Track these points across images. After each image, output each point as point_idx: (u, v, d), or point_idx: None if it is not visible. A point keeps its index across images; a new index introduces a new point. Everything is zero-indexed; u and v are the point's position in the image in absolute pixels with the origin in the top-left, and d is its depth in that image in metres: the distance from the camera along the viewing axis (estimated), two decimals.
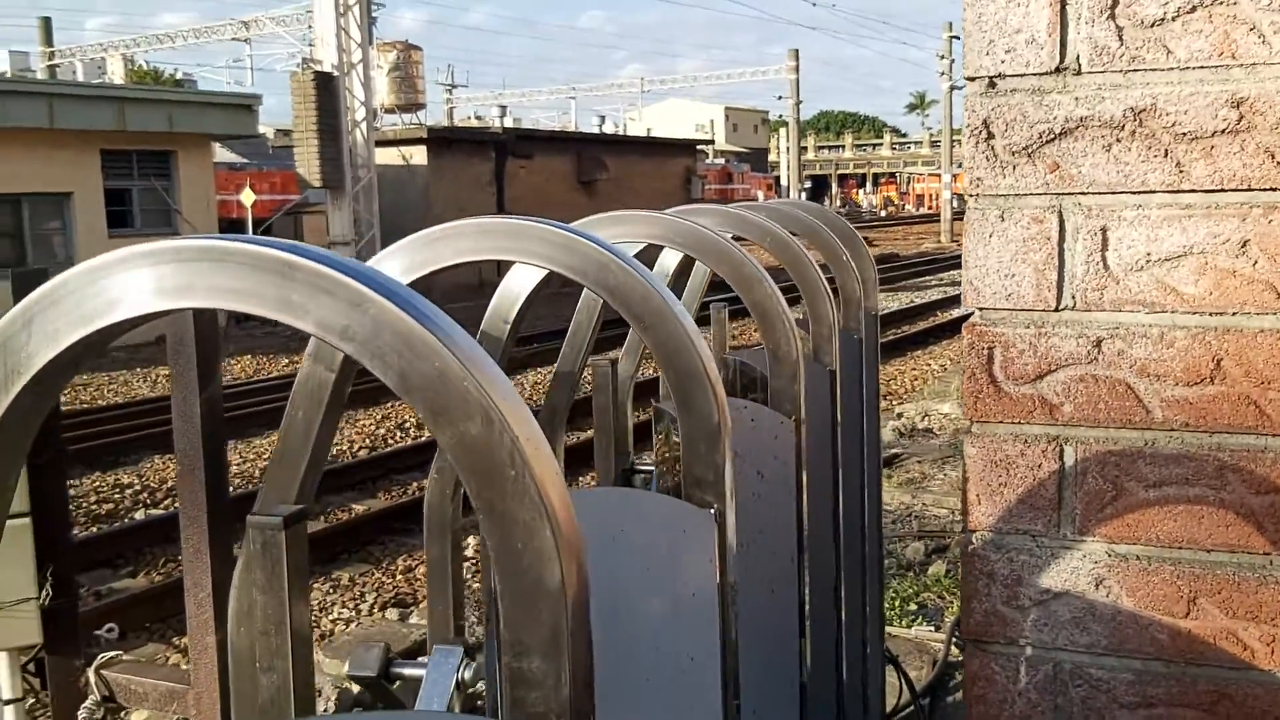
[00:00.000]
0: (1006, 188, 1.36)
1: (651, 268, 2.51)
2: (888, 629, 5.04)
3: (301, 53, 25.14)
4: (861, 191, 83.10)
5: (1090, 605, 1.35)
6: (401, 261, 1.34)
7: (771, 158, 79.91)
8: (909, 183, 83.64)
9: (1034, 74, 1.33)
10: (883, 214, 70.26)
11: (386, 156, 24.87)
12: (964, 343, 1.41)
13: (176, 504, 7.72)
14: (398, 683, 1.46)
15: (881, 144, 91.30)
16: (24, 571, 1.79)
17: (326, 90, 21.87)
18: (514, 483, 0.77)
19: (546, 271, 1.61)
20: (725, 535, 1.29)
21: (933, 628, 4.64)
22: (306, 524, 1.17)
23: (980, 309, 1.39)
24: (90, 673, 1.71)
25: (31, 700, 1.96)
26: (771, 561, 1.78)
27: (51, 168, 18.03)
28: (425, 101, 31.78)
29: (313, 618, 7.07)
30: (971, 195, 1.39)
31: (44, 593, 1.85)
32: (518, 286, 1.62)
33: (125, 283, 0.84)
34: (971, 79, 1.36)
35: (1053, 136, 1.32)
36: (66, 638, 1.89)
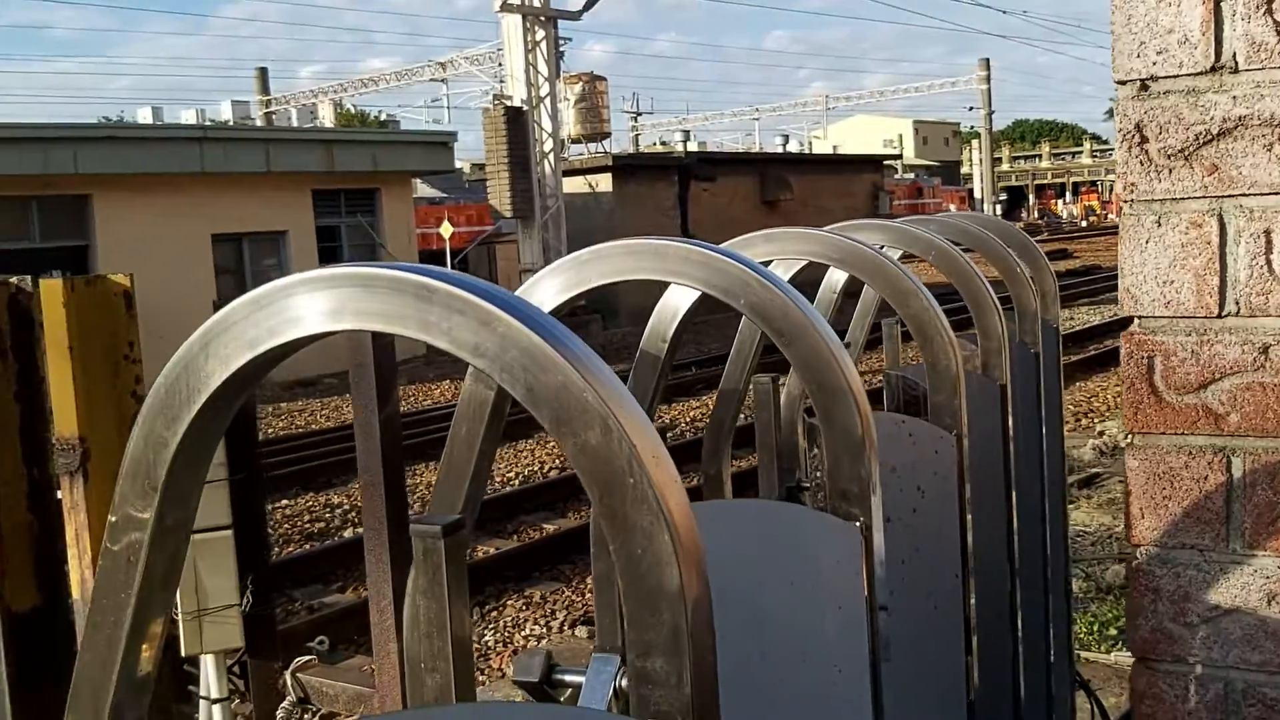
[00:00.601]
0: (1162, 192, 1.32)
1: (819, 287, 2.51)
2: (1084, 654, 4.83)
3: (494, 89, 26.11)
4: (1060, 202, 79.85)
5: (1262, 622, 1.28)
6: (555, 282, 1.41)
7: (964, 170, 77.83)
8: (1111, 191, 79.89)
9: (1188, 74, 1.29)
10: (1083, 224, 67.32)
11: (574, 185, 25.50)
12: (1122, 352, 1.37)
13: None
14: (560, 689, 1.52)
15: (1081, 152, 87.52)
16: (228, 580, 1.95)
17: (517, 124, 22.63)
18: (633, 489, 0.81)
19: (700, 291, 1.65)
20: (872, 549, 1.30)
21: None
22: (466, 532, 1.24)
23: (1139, 317, 1.35)
24: (287, 675, 1.84)
25: (236, 700, 2.13)
26: (934, 577, 1.75)
27: (268, 208, 19.30)
28: (610, 130, 32.42)
29: (505, 634, 7.29)
30: (1126, 201, 1.35)
31: (245, 600, 2.00)
32: (674, 306, 1.67)
33: (284, 309, 0.93)
34: (1122, 83, 1.33)
35: (1210, 138, 1.28)
36: (266, 642, 2.04)
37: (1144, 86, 1.32)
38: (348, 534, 9.63)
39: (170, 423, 0.94)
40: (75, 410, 1.88)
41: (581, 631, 6.97)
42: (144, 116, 34.42)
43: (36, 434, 2.02)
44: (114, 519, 0.95)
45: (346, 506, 10.34)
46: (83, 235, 17.34)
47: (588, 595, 8.03)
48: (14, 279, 2.11)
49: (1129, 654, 4.44)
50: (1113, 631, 4.78)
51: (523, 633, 7.30)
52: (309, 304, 0.92)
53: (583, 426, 0.81)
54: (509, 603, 7.83)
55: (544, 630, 7.32)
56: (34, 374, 2.04)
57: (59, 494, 2.01)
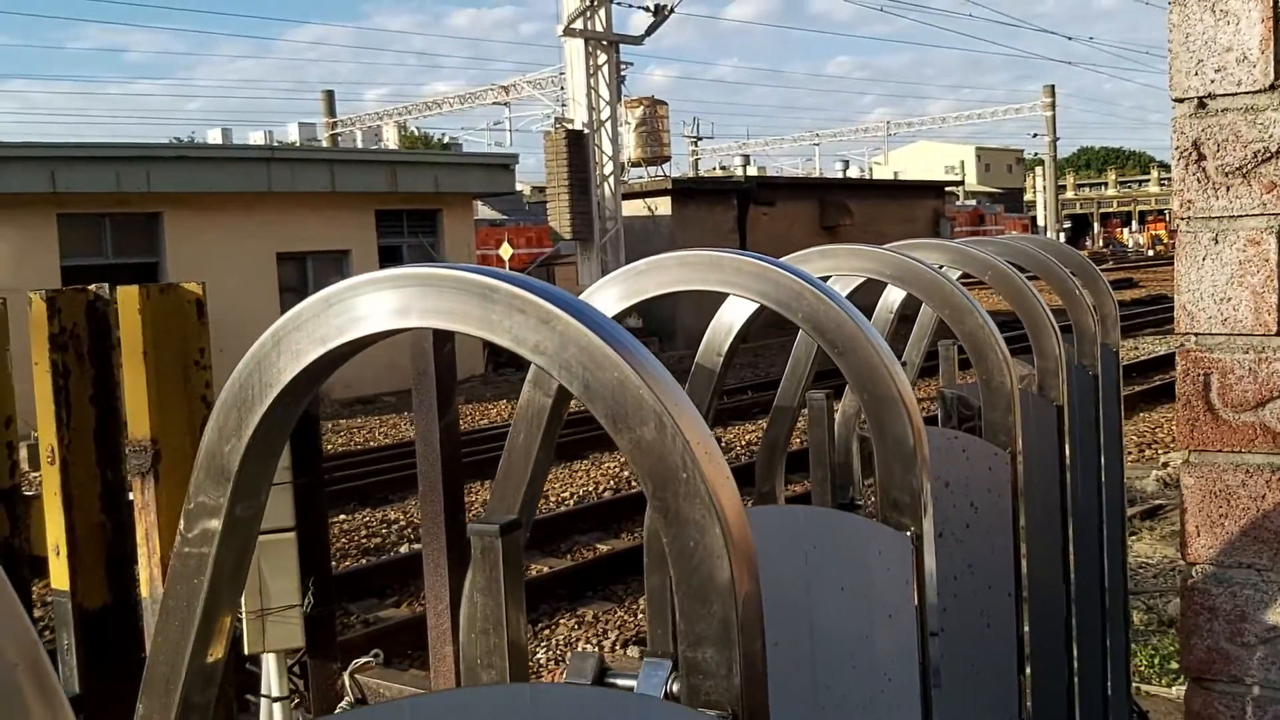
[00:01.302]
0: (1220, 209, 1.32)
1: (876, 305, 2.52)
2: (1145, 687, 4.74)
3: (555, 113, 26.38)
4: (1126, 230, 78.63)
5: None
6: (613, 291, 1.44)
7: (1027, 198, 76.98)
8: None
9: (1247, 92, 1.29)
10: (1149, 254, 66.22)
11: (633, 208, 25.63)
12: (1178, 368, 1.37)
13: None
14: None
15: (1148, 180, 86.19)
16: (290, 581, 2.00)
17: (577, 147, 22.83)
18: (686, 484, 0.83)
19: (757, 305, 1.67)
20: (922, 559, 1.31)
21: None
22: (523, 532, 1.27)
23: (1195, 334, 1.35)
24: (345, 676, 1.88)
25: (295, 700, 2.18)
26: (986, 594, 1.75)
27: (333, 228, 19.64)
28: (670, 154, 32.57)
29: (558, 652, 7.32)
30: (1182, 218, 1.35)
31: (306, 601, 2.05)
32: (730, 320, 1.69)
33: (353, 308, 0.97)
34: (1179, 100, 1.34)
35: (1269, 155, 1.28)
36: (326, 643, 2.09)
37: (1201, 104, 1.32)
38: (404, 549, 9.72)
39: (244, 416, 0.98)
40: (148, 413, 1.94)
41: (633, 651, 6.97)
42: (214, 137, 35.22)
43: (111, 437, 2.08)
44: (189, 507, 0.99)
45: (403, 522, 10.45)
46: (153, 252, 17.75)
47: (640, 616, 8.03)
48: (92, 287, 2.19)
49: None
50: (1174, 665, 4.69)
51: (575, 651, 7.32)
52: (376, 303, 0.96)
53: (638, 422, 0.84)
54: (561, 621, 7.86)
55: (595, 649, 7.33)
56: (109, 378, 2.11)
57: (129, 495, 2.07)
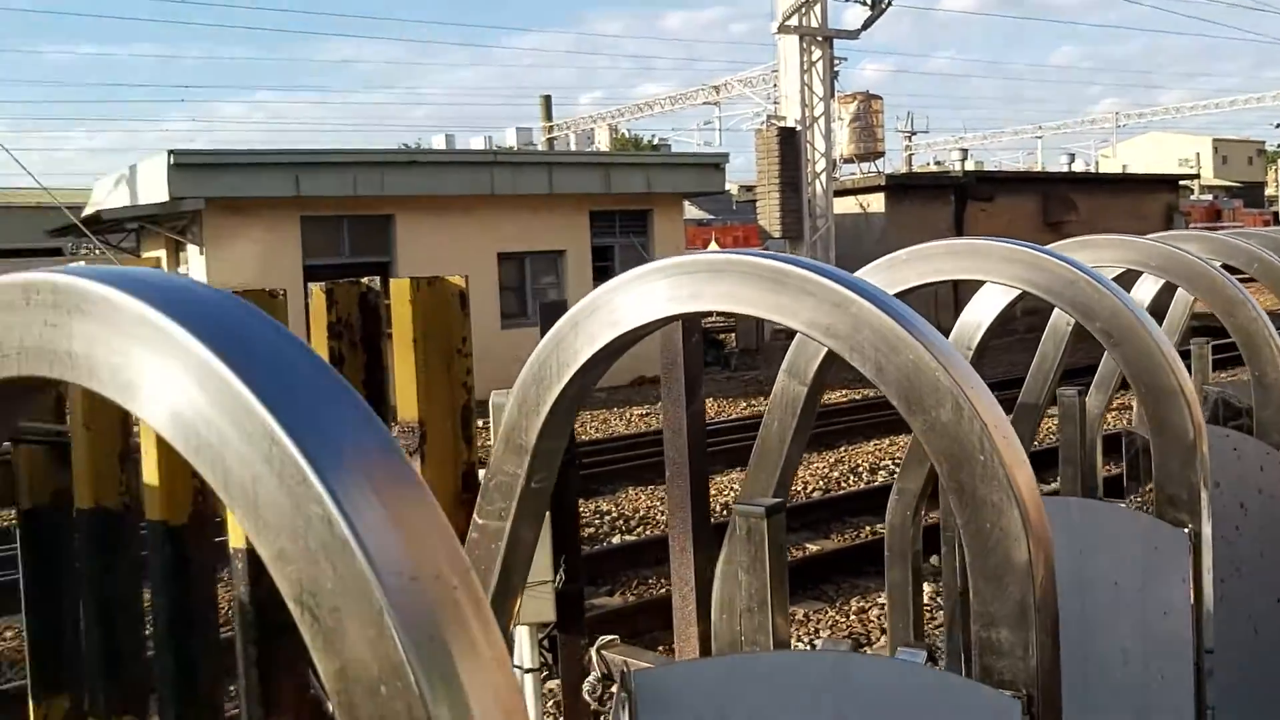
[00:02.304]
0: None
1: None
2: None
3: (766, 110, 26.33)
4: None
5: None
6: (875, 281, 1.45)
7: (1268, 192, 71.72)
8: None
9: None
10: None
11: (844, 206, 25.32)
12: None
13: (648, 531, 8.28)
14: None
15: None
16: (544, 556, 2.10)
17: (789, 144, 22.73)
18: (983, 466, 0.84)
19: (1015, 294, 1.65)
20: (1200, 557, 1.26)
21: None
22: (784, 515, 1.30)
23: None
24: (592, 651, 1.96)
25: (545, 672, 2.28)
26: (1258, 597, 1.67)
27: (550, 228, 20.27)
28: (884, 150, 31.98)
29: None
30: None
31: (558, 577, 2.15)
32: (981, 312, 1.67)
33: (645, 293, 1.02)
34: None
35: None
36: (574, 618, 2.18)
37: None
38: (615, 540, 9.93)
39: (543, 392, 1.04)
40: (416, 397, 2.08)
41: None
42: (438, 143, 36.82)
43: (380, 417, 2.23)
44: (490, 481, 1.06)
45: (614, 514, 10.67)
46: (385, 251, 18.76)
47: (851, 616, 7.95)
48: (364, 280, 2.36)
49: None
50: None
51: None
52: (665, 289, 1.00)
53: (934, 404, 0.85)
54: None
55: (808, 648, 7.30)
56: (378, 364, 2.26)
57: None
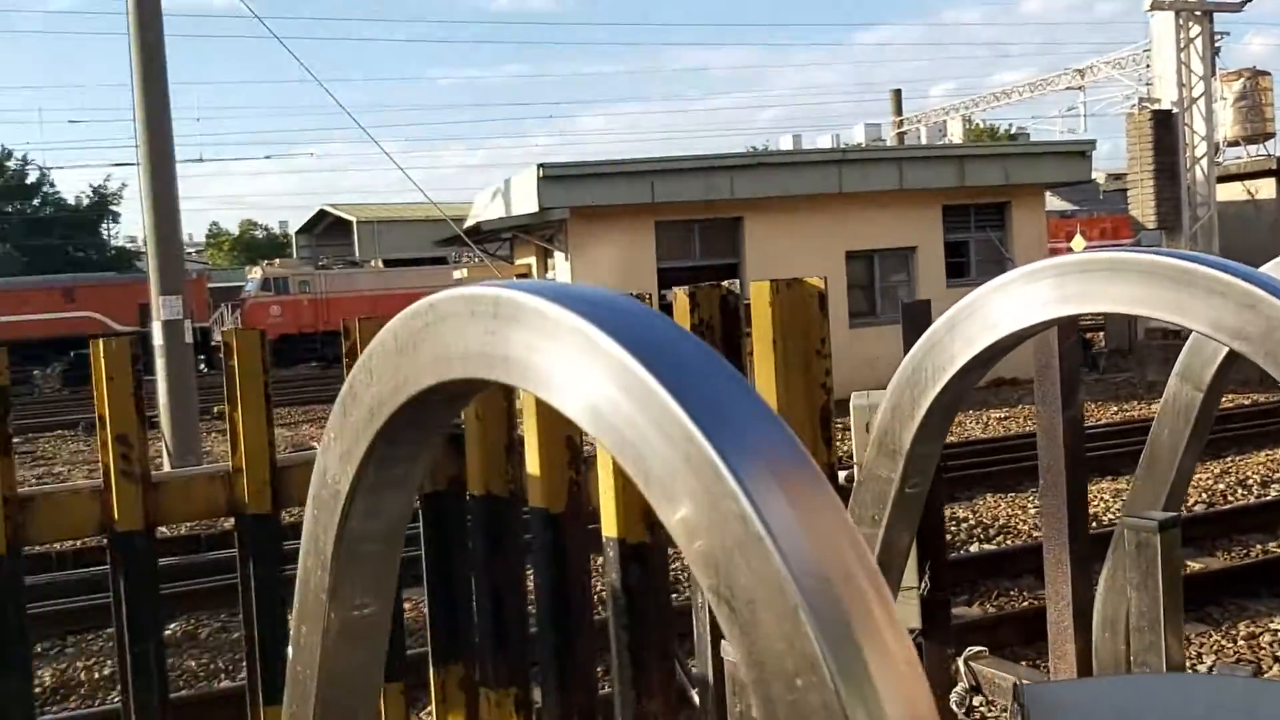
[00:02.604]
0: None
1: None
2: None
3: (1137, 93, 24.49)
4: None
5: None
6: None
7: None
8: None
9: None
10: None
11: (1228, 193, 23.09)
12: None
13: (1009, 541, 7.93)
14: None
15: None
16: (909, 565, 2.09)
17: (1164, 128, 21.04)
18: None
19: None
20: None
21: None
22: (1179, 530, 1.22)
23: None
24: (960, 662, 1.92)
25: None
26: None
27: (900, 225, 19.89)
28: (1274, 130, 28.84)
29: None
30: None
31: (923, 584, 2.12)
32: None
33: (1025, 294, 0.99)
34: None
35: None
36: (940, 626, 2.14)
37: None
38: (974, 549, 9.60)
39: (917, 396, 1.04)
40: (775, 395, 2.12)
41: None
42: (785, 144, 37.09)
43: None
44: (861, 485, 1.07)
45: (972, 521, 10.31)
46: (734, 253, 19.15)
47: (1239, 641, 7.25)
48: (725, 283, 2.43)
49: None
50: None
51: (1219, 663, 6.78)
52: (1050, 289, 0.97)
53: None
54: None
55: (1246, 664, 6.73)
56: (739, 365, 2.33)
57: None
